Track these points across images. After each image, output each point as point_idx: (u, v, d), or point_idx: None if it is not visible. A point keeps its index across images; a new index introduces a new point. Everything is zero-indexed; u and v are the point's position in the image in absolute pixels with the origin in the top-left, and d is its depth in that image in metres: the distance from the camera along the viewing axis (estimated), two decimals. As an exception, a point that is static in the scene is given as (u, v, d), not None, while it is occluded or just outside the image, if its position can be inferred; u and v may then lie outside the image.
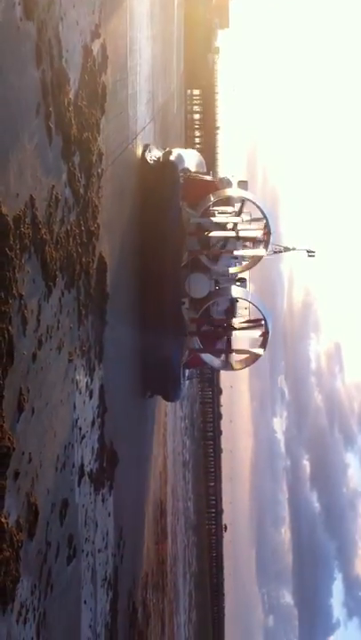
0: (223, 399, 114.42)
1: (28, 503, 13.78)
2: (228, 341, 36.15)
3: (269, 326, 33.78)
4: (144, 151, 32.08)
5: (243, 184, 34.63)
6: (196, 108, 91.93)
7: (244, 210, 34.02)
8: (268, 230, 32.68)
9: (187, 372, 37.24)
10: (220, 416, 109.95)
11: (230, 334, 35.78)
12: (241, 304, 35.11)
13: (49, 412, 15.59)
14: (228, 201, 34.11)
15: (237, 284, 34.66)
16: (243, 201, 33.78)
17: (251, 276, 36.09)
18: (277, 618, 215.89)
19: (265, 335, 33.97)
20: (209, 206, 32.94)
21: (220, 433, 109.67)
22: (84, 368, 19.49)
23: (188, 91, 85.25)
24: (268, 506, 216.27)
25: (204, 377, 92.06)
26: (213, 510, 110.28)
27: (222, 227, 33.48)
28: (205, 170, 38.90)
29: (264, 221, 32.92)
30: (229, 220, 33.65)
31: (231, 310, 35.04)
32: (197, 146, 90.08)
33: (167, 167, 31.78)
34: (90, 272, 19.81)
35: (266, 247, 32.88)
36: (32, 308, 14.03)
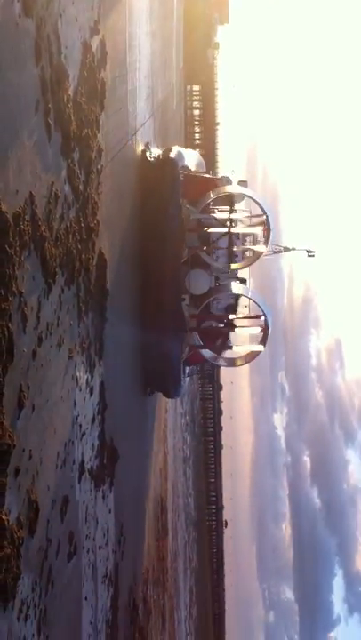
0: (224, 395, 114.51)
1: (29, 500, 13.79)
2: (229, 338, 36.18)
3: (269, 322, 33.85)
4: (144, 149, 32.06)
5: (242, 183, 34.69)
6: (195, 103, 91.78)
7: (245, 208, 34.03)
8: (267, 227, 32.66)
9: (187, 369, 37.23)
10: (220, 412, 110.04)
11: (230, 331, 35.81)
12: (241, 300, 35.15)
13: (49, 409, 15.59)
14: (227, 200, 34.07)
15: (238, 282, 34.70)
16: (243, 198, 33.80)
17: (251, 272, 36.12)
18: (278, 614, 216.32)
19: (265, 331, 34.03)
20: (209, 203, 32.93)
21: (221, 429, 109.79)
22: (84, 365, 19.48)
23: (188, 86, 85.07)
24: (269, 502, 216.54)
25: (204, 373, 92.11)
26: (214, 506, 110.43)
27: (222, 223, 33.47)
28: (205, 169, 38.90)
29: (264, 217, 32.90)
30: (229, 216, 33.65)
31: (231, 307, 35.06)
32: (197, 142, 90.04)
33: (167, 164, 31.78)
34: (90, 269, 19.78)
35: (266, 244, 32.87)
36: (32, 305, 14.01)
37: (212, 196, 33.03)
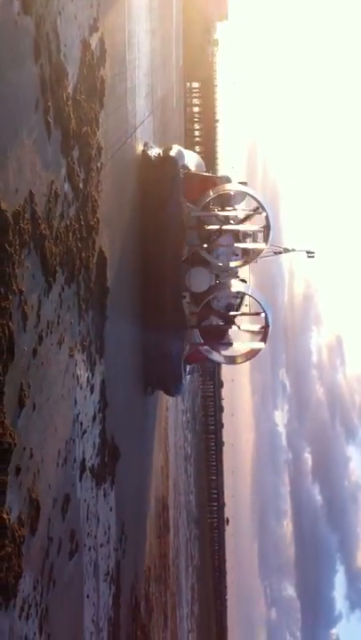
0: (224, 392, 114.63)
1: (30, 499, 13.80)
2: (229, 335, 36.20)
3: (270, 320, 33.88)
4: (144, 146, 32.07)
5: (242, 184, 34.76)
6: (195, 100, 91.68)
7: (245, 207, 34.06)
8: (267, 224, 32.67)
9: (187, 367, 37.26)
10: (221, 409, 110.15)
11: (231, 328, 35.83)
12: (241, 298, 35.18)
13: (50, 408, 15.60)
14: (227, 201, 34.10)
15: (239, 280, 34.73)
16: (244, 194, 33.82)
17: (251, 270, 36.15)
18: (280, 610, 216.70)
19: (265, 329, 34.05)
20: (209, 201, 32.95)
21: (222, 426, 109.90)
22: (84, 363, 19.49)
23: (188, 84, 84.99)
24: (270, 499, 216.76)
25: (205, 371, 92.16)
26: (215, 504, 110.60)
27: (222, 221, 33.47)
28: (204, 170, 38.91)
29: (264, 214, 32.90)
30: (229, 213, 33.67)
31: (232, 305, 35.08)
32: (197, 139, 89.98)
33: (167, 162, 31.81)
34: (90, 267, 19.78)
35: (266, 241, 32.88)
36: (32, 304, 14.01)
37: (211, 194, 33.02)
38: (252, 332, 35.60)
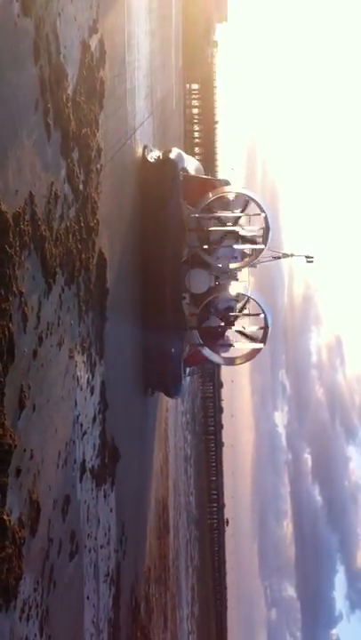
0: (224, 393, 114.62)
1: (30, 500, 13.80)
2: (228, 336, 36.22)
3: (269, 321, 33.96)
4: (144, 148, 32.11)
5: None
6: (194, 102, 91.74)
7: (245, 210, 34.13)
8: (266, 226, 32.73)
9: (187, 369, 37.29)
10: (220, 410, 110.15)
11: (230, 329, 35.86)
12: (241, 299, 35.22)
13: (50, 409, 15.60)
14: (227, 205, 34.16)
15: (238, 282, 34.81)
16: (246, 200, 33.86)
17: (251, 271, 36.17)
18: (280, 611, 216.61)
19: (265, 330, 34.14)
20: (209, 203, 33.03)
21: (222, 427, 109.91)
22: (84, 364, 19.49)
23: (187, 85, 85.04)
24: (270, 499, 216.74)
25: (205, 372, 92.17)
26: (215, 504, 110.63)
27: (222, 222, 33.53)
28: (203, 174, 38.99)
29: (263, 215, 32.96)
30: (229, 215, 33.73)
31: (231, 306, 35.12)
32: (196, 140, 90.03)
33: (167, 164, 31.92)
34: (90, 268, 19.79)
35: (265, 243, 32.94)
36: (32, 305, 14.02)
37: (211, 196, 33.11)
38: (252, 332, 35.64)
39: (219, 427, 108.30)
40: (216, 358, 36.80)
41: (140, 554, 32.98)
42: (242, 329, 35.83)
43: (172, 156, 32.36)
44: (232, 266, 33.87)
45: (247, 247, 34.13)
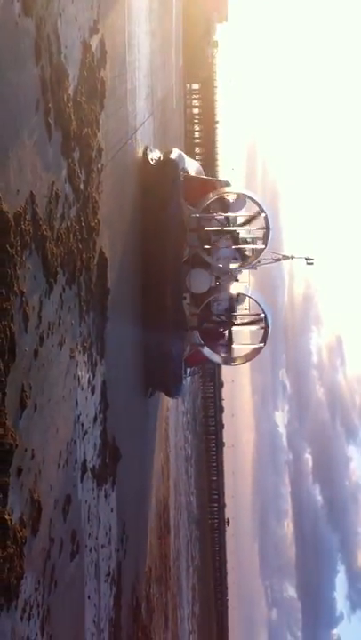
0: (225, 393, 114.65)
1: (32, 500, 13.81)
2: (229, 336, 36.23)
3: (269, 321, 34.00)
4: (144, 148, 32.15)
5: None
6: (195, 102, 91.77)
7: (244, 210, 34.21)
8: (267, 226, 32.79)
9: (188, 369, 37.32)
10: (221, 410, 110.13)
11: (231, 329, 35.88)
12: (241, 300, 35.26)
13: (51, 409, 15.61)
14: (227, 207, 34.21)
15: (238, 282, 34.84)
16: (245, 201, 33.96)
17: (251, 271, 36.20)
18: (281, 611, 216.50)
19: (265, 330, 34.17)
20: (209, 204, 33.10)
21: (222, 427, 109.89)
22: (85, 364, 19.50)
23: (188, 85, 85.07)
24: (271, 499, 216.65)
25: (205, 371, 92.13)
26: (216, 504, 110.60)
27: (222, 223, 33.61)
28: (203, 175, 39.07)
29: (263, 215, 33.02)
30: (229, 215, 33.80)
31: (232, 306, 35.15)
32: (197, 140, 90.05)
33: (168, 164, 31.99)
34: (91, 268, 19.81)
35: (265, 243, 33.00)
36: (33, 305, 14.03)
37: (211, 196, 33.19)
38: (252, 333, 35.69)
39: (219, 426, 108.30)
40: (216, 358, 36.82)
41: (141, 553, 32.99)
42: (242, 329, 35.88)
43: (173, 156, 32.44)
44: (232, 266, 33.91)
45: (247, 247, 34.19)
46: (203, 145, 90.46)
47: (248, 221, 34.48)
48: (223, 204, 34.15)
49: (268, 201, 35.61)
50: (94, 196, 19.95)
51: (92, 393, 20.49)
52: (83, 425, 19.23)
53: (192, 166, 36.35)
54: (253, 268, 34.72)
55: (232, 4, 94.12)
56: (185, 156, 35.31)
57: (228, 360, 37.25)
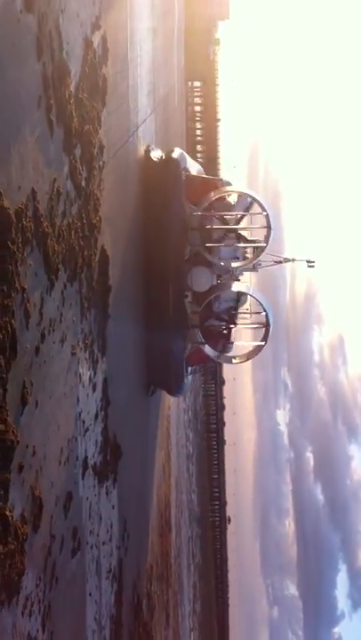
0: (226, 392, 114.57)
1: (33, 496, 13.83)
2: (230, 335, 36.31)
3: (270, 319, 34.08)
4: (146, 145, 32.17)
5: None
6: (197, 99, 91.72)
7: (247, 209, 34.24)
8: (268, 225, 32.81)
9: (189, 368, 37.36)
10: (222, 407, 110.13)
11: (232, 328, 35.97)
12: (243, 298, 35.32)
13: (52, 406, 15.62)
14: (228, 206, 34.24)
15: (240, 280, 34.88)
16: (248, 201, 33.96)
17: (252, 272, 36.21)
18: (282, 609, 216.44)
19: (267, 328, 34.25)
20: (211, 202, 33.11)
21: (223, 424, 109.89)
22: (87, 361, 19.51)
23: (189, 82, 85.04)
24: (272, 498, 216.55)
25: (206, 369, 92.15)
26: (217, 502, 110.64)
27: (224, 222, 33.65)
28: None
29: (264, 214, 33.03)
30: (231, 214, 33.85)
31: (233, 305, 35.22)
32: (198, 138, 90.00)
33: (170, 163, 32.05)
34: (92, 265, 19.81)
35: (267, 242, 33.02)
36: (35, 302, 14.04)
37: (213, 195, 33.21)
38: (254, 331, 35.74)
39: (221, 424, 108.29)
40: (218, 357, 36.86)
41: (142, 551, 33.02)
42: (244, 327, 35.95)
43: (175, 155, 32.48)
44: (234, 265, 33.93)
45: (248, 246, 34.23)
46: (204, 143, 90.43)
47: (250, 220, 34.50)
48: (225, 205, 34.19)
49: (269, 200, 35.56)
50: (96, 193, 19.95)
51: (94, 390, 20.49)
52: (84, 422, 19.24)
53: (193, 167, 36.41)
54: (255, 270, 34.76)
55: (234, 1, 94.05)
56: (187, 155, 35.36)
57: (230, 358, 37.30)
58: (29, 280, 13.70)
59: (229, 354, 37.06)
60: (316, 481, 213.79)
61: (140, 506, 32.60)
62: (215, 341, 35.68)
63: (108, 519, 23.09)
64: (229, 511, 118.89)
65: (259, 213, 33.52)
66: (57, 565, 15.78)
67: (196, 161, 43.18)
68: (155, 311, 32.03)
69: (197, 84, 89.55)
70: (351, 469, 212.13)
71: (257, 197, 33.63)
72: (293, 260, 35.79)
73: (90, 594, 20.16)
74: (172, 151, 33.08)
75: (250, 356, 36.15)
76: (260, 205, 33.12)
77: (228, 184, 35.01)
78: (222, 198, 33.95)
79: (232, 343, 36.58)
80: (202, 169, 39.33)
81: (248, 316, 36.21)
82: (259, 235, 33.99)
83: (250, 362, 37.93)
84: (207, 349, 35.43)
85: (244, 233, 34.33)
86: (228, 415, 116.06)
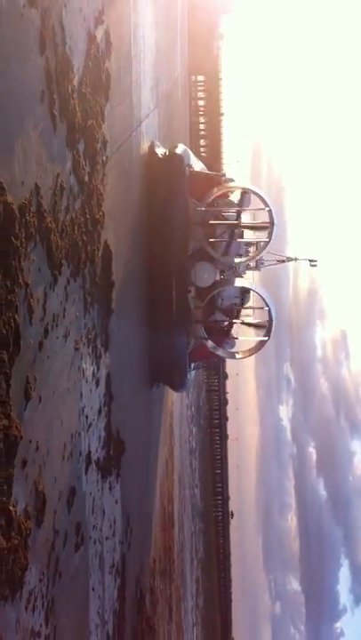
0: (229, 387, 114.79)
1: (36, 491, 13.84)
2: (233, 330, 36.37)
3: (273, 314, 34.12)
4: (149, 140, 32.13)
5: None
6: (200, 94, 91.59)
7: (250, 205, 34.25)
8: (271, 220, 32.82)
9: (192, 363, 37.42)
10: (225, 402, 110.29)
11: (235, 323, 36.03)
12: (246, 294, 35.37)
13: (56, 401, 15.63)
14: (231, 205, 34.26)
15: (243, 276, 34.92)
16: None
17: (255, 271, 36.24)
18: (284, 604, 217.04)
19: (269, 323, 34.29)
20: (214, 198, 33.13)
21: (227, 419, 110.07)
22: (90, 356, 19.51)
23: (193, 77, 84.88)
24: (275, 493, 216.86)
25: (209, 364, 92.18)
26: (220, 497, 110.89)
27: (227, 217, 33.66)
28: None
29: (267, 209, 33.03)
30: (234, 209, 33.85)
31: (237, 300, 35.26)
32: (202, 132, 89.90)
33: (173, 158, 32.06)
34: (95, 260, 19.78)
35: (270, 237, 33.04)
36: (38, 297, 14.03)
37: (216, 191, 33.24)
38: (256, 326, 35.75)
39: (223, 420, 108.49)
40: (221, 352, 36.89)
41: (146, 546, 33.09)
42: (247, 320, 35.98)
43: (179, 151, 32.53)
44: (237, 260, 33.94)
45: (251, 240, 34.29)
46: (208, 137, 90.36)
47: (252, 216, 34.52)
48: (227, 200, 34.22)
49: (273, 196, 35.58)
50: (99, 188, 19.92)
51: (97, 385, 20.50)
52: (87, 417, 19.25)
53: (197, 164, 36.46)
54: (258, 269, 34.80)
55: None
56: (190, 152, 35.38)
57: (233, 354, 37.33)
58: (33, 275, 13.68)
59: (233, 349, 37.10)
60: (319, 476, 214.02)
61: (143, 501, 32.66)
62: (218, 337, 35.71)
63: (112, 514, 23.13)
64: (232, 506, 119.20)
65: (262, 209, 33.54)
66: (60, 560, 15.81)
67: (200, 155, 43.29)
68: (158, 306, 32.05)
69: (201, 78, 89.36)
70: (354, 465, 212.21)
71: (260, 193, 33.64)
72: (296, 260, 35.84)
73: (93, 589, 20.20)
74: (176, 147, 33.11)
75: (253, 351, 36.19)
76: (263, 201, 33.13)
77: (232, 180, 35.09)
78: (226, 194, 33.97)
79: (235, 338, 36.62)
80: (205, 166, 39.38)
81: (251, 311, 36.30)
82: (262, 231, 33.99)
83: (253, 357, 37.97)
84: (210, 345, 35.46)
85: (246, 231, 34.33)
86: (231, 410, 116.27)
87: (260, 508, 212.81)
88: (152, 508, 36.34)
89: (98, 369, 20.55)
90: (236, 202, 34.10)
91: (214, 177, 35.62)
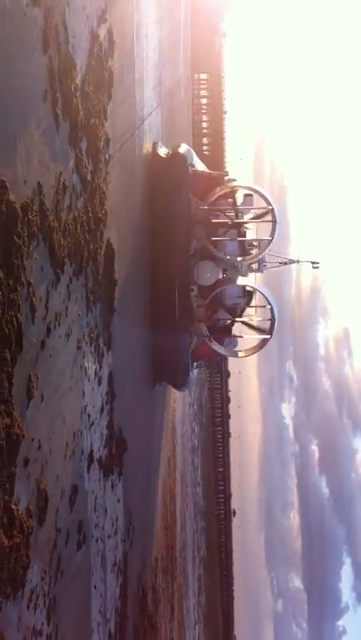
0: (232, 385, 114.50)
1: (38, 490, 13.85)
2: (236, 328, 36.37)
3: (276, 313, 34.12)
4: (151, 139, 32.11)
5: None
6: (203, 92, 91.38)
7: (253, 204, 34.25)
8: (273, 219, 32.80)
9: (195, 362, 37.42)
10: (228, 400, 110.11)
11: (237, 322, 36.02)
12: (248, 293, 35.36)
13: (58, 399, 15.63)
14: (233, 202, 34.23)
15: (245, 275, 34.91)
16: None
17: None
18: (287, 602, 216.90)
19: (272, 322, 34.29)
20: (217, 197, 33.11)
21: (229, 417, 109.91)
22: (92, 355, 19.51)
23: (195, 75, 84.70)
24: (277, 491, 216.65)
25: (212, 362, 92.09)
26: (222, 495, 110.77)
27: (230, 216, 33.66)
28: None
29: (270, 208, 33.01)
30: (235, 208, 33.85)
31: (238, 298, 35.25)
32: (205, 130, 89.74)
33: (176, 158, 32.07)
34: (98, 259, 19.78)
35: (272, 236, 33.01)
36: (40, 296, 14.03)
37: (218, 190, 33.24)
38: (259, 325, 35.77)
39: (226, 418, 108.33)
40: (224, 350, 36.86)
41: (148, 544, 33.09)
42: (248, 321, 35.98)
43: (182, 150, 32.56)
44: (239, 258, 33.91)
45: (253, 239, 34.26)
46: (210, 135, 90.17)
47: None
48: (230, 200, 34.20)
49: (275, 195, 35.54)
50: (102, 186, 19.90)
51: (99, 384, 20.50)
52: (89, 416, 19.26)
53: (199, 165, 36.47)
54: (260, 270, 34.79)
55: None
56: (193, 152, 35.40)
57: (235, 352, 37.33)
58: (35, 274, 13.68)
59: (235, 347, 37.09)
60: (321, 474, 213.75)
61: (145, 499, 32.66)
62: (221, 335, 35.70)
63: (114, 512, 23.14)
64: (234, 504, 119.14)
65: (264, 208, 33.51)
66: (62, 559, 15.83)
67: (203, 153, 43.23)
68: (161, 305, 32.03)
69: (203, 76, 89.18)
70: (356, 462, 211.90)
71: (263, 192, 33.63)
72: (298, 262, 35.88)
73: (95, 587, 20.22)
74: (179, 146, 33.09)
75: (255, 349, 36.20)
76: (266, 200, 33.13)
77: (234, 180, 35.09)
78: (228, 194, 33.96)
79: (238, 337, 36.61)
80: (206, 167, 39.39)
81: (253, 310, 36.29)
82: (265, 229, 34.00)
83: (255, 355, 37.98)
84: (212, 343, 35.44)
85: (249, 227, 34.31)
86: (233, 408, 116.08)
87: (263, 506, 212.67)
88: (154, 506, 36.34)
89: (100, 367, 20.56)
90: (239, 199, 34.06)
91: (217, 176, 35.62)
